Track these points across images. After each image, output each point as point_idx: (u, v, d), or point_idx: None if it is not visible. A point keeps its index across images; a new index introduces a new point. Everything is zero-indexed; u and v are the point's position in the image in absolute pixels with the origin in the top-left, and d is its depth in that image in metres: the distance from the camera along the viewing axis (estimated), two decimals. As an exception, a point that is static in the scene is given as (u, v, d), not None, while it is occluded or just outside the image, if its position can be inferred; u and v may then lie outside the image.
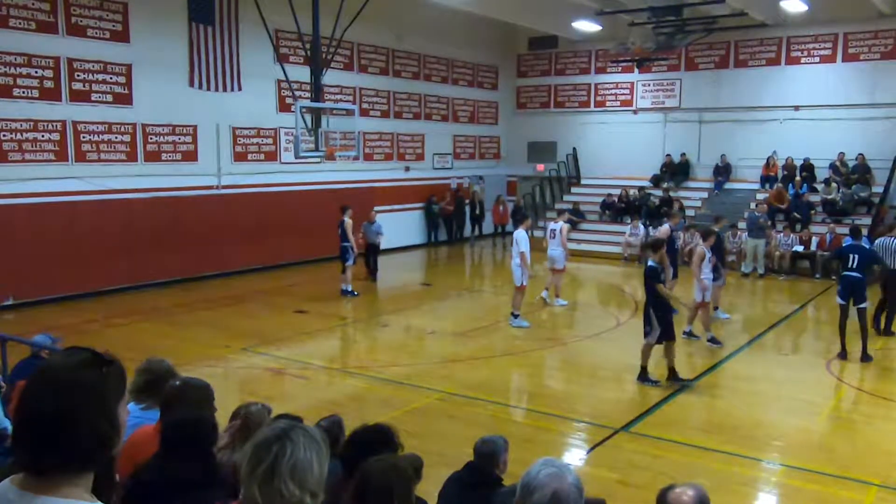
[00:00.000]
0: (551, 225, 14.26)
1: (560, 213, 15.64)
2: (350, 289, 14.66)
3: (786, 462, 6.98)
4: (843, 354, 10.24)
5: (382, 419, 5.18)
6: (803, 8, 18.02)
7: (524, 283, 12.25)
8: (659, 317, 8.91)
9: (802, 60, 20.38)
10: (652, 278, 8.92)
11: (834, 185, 19.03)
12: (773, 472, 6.87)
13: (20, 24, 13.01)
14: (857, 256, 10.21)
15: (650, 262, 9.11)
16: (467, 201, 23.28)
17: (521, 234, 12.25)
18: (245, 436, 3.62)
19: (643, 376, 9.06)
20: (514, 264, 12.30)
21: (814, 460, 6.92)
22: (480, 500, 4.01)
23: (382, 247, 19.42)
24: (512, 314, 12.30)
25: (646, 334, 9.06)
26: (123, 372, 1.72)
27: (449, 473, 4.40)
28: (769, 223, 17.95)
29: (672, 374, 9.02)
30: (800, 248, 17.61)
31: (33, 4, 13.13)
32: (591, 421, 8.00)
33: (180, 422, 3.26)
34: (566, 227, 14.16)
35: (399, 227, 21.10)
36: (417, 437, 6.72)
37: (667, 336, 8.96)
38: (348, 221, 14.45)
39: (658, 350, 9.12)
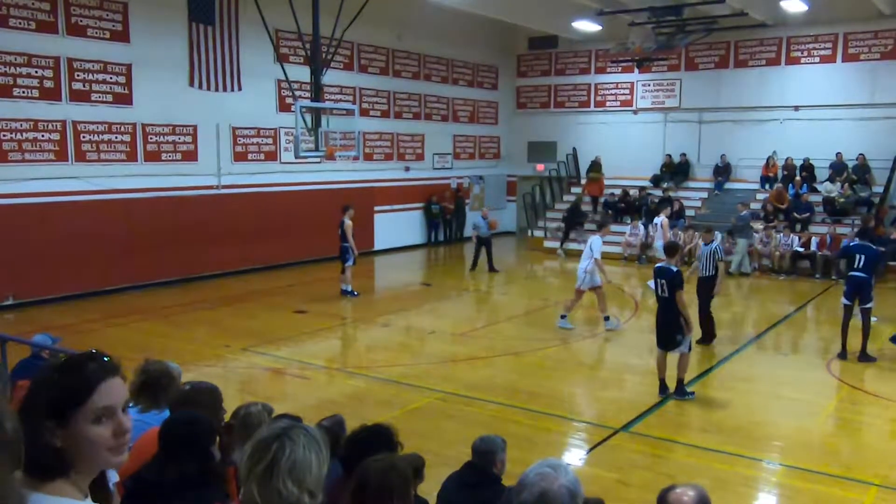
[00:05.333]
0: (655, 219, 16.26)
1: (662, 208, 16.51)
2: (350, 289, 14.66)
3: (786, 462, 6.98)
4: (843, 354, 10.23)
5: (382, 419, 5.19)
6: (803, 8, 18.02)
7: (584, 288, 12.01)
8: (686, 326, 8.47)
9: (802, 60, 20.38)
10: (677, 285, 8.41)
11: (839, 183, 19.04)
12: (773, 472, 6.87)
13: (20, 23, 13.00)
14: (863, 257, 10.15)
15: (673, 267, 8.55)
16: (466, 202, 23.34)
17: (596, 241, 12.06)
18: (245, 436, 3.62)
19: (682, 390, 8.55)
20: (581, 268, 12.04)
21: (814, 460, 6.92)
22: (479, 500, 4.01)
23: (386, 246, 19.63)
24: (561, 315, 12.18)
25: (677, 344, 8.51)
26: (85, 376, 1.64)
27: (449, 473, 4.40)
28: (750, 224, 17.94)
29: (663, 386, 8.65)
30: (800, 249, 17.62)
31: (33, 4, 13.13)
32: (591, 421, 8.00)
33: (178, 422, 3.26)
34: (666, 221, 15.56)
35: (399, 227, 21.14)
36: (417, 437, 6.72)
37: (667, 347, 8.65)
38: (348, 223, 14.41)
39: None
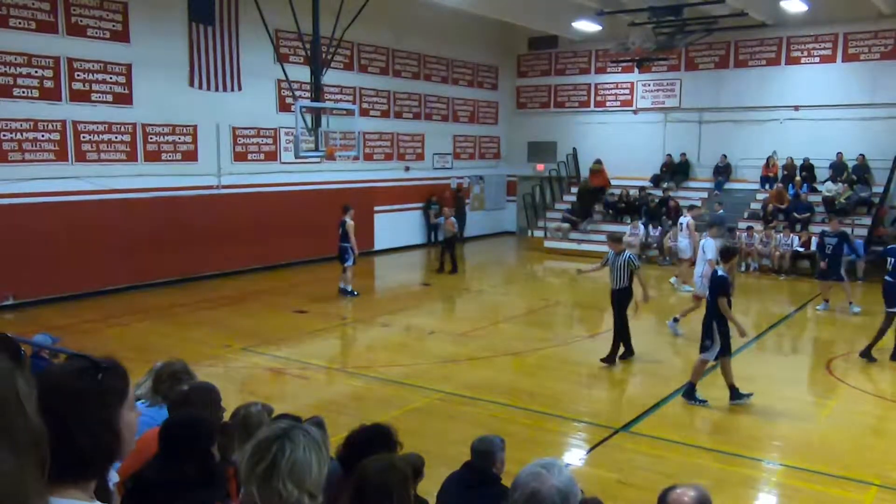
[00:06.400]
0: (680, 219, 15.98)
1: (690, 208, 16.39)
2: (350, 288, 14.65)
3: (786, 462, 6.99)
4: (871, 344, 10.12)
5: (382, 419, 5.18)
6: (803, 8, 18.02)
7: (702, 294, 11.54)
8: (722, 332, 8.29)
9: (802, 60, 20.37)
10: (720, 290, 8.25)
11: (839, 183, 19.05)
12: (773, 472, 6.87)
13: (20, 23, 13.00)
14: (893, 260, 10.09)
15: (719, 272, 8.39)
16: (466, 202, 23.38)
17: (709, 243, 11.89)
18: (245, 436, 3.63)
19: (691, 394, 8.41)
20: (697, 273, 12.09)
21: (814, 460, 6.92)
22: (478, 500, 4.01)
23: (386, 246, 19.62)
24: (674, 318, 12.02)
25: (704, 349, 8.36)
26: (124, 374, 1.72)
27: (449, 473, 4.40)
28: (724, 223, 17.99)
29: (734, 392, 8.39)
30: (800, 249, 17.63)
31: (33, 4, 13.13)
32: (591, 421, 8.00)
33: (179, 422, 3.26)
34: (692, 221, 15.25)
35: (399, 227, 21.14)
36: (417, 437, 6.72)
37: (724, 352, 8.39)
38: (350, 223, 14.39)
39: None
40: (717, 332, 8.26)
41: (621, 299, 10.18)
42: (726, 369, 8.45)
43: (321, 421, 4.34)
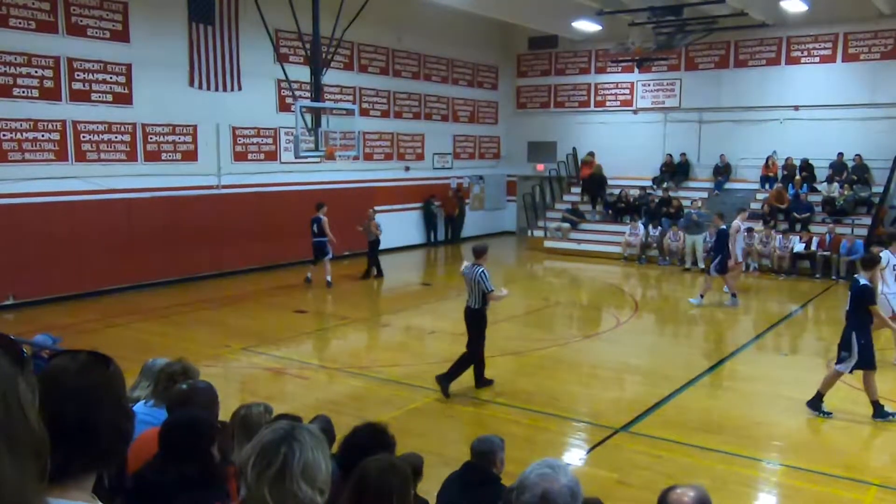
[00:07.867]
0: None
1: (739, 210, 15.96)
2: (329, 279, 15.04)
3: (786, 462, 6.98)
4: None
5: (382, 419, 5.18)
6: (803, 8, 18.02)
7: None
8: (862, 344, 7.84)
9: (802, 60, 20.37)
10: (866, 299, 7.91)
11: (836, 184, 19.07)
12: (773, 472, 6.87)
13: (20, 23, 13.00)
14: None
15: (863, 281, 8.02)
16: (465, 202, 23.38)
17: (735, 223, 14.42)
18: (245, 436, 3.63)
19: (817, 405, 8.08)
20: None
21: (814, 460, 6.92)
22: (479, 499, 4.02)
23: (386, 246, 19.71)
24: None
25: (840, 360, 7.98)
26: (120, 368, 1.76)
27: (449, 473, 4.40)
28: (702, 221, 18.04)
29: (877, 408, 7.92)
30: (800, 249, 17.61)
31: (33, 4, 13.12)
32: (591, 421, 7.99)
33: (178, 422, 3.26)
34: (737, 223, 14.87)
35: (399, 227, 21.11)
36: (417, 436, 6.73)
37: (868, 365, 7.90)
38: (325, 219, 14.85)
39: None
40: (856, 344, 7.88)
41: (472, 320, 8.83)
42: (869, 384, 7.96)
43: (327, 419, 4.36)
